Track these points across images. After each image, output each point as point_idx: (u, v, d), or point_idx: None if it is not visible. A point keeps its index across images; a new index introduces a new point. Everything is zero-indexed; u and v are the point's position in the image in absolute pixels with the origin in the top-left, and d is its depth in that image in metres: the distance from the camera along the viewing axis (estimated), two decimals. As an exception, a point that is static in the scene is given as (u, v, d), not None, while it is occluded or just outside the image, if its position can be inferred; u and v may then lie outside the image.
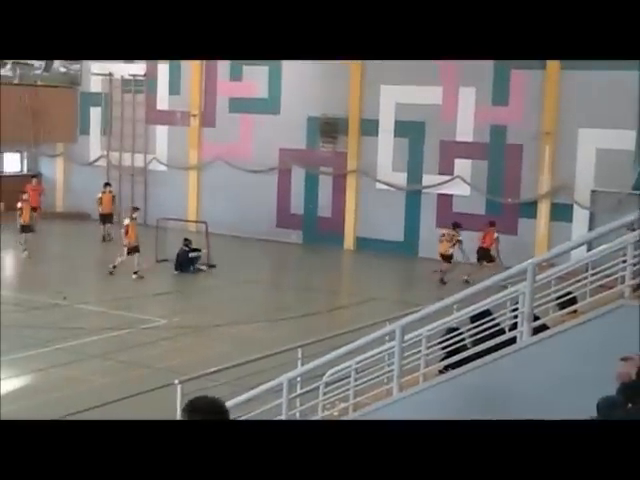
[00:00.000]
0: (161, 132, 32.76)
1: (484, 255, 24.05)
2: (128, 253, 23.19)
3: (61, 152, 34.78)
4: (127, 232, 23.39)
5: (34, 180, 30.77)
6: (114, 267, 23.15)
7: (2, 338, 16.83)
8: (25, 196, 27.22)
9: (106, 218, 28.99)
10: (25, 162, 35.67)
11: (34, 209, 27.99)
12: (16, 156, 35.44)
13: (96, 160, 33.96)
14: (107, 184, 29.89)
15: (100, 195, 29.31)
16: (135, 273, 22.91)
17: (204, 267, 24.84)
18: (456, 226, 24.42)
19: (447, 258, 24.07)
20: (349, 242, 29.34)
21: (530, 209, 26.39)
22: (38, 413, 12.70)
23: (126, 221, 23.75)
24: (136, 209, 25.02)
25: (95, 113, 34.00)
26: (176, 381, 9.93)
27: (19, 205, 26.33)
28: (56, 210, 34.56)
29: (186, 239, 25.00)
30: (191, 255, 24.65)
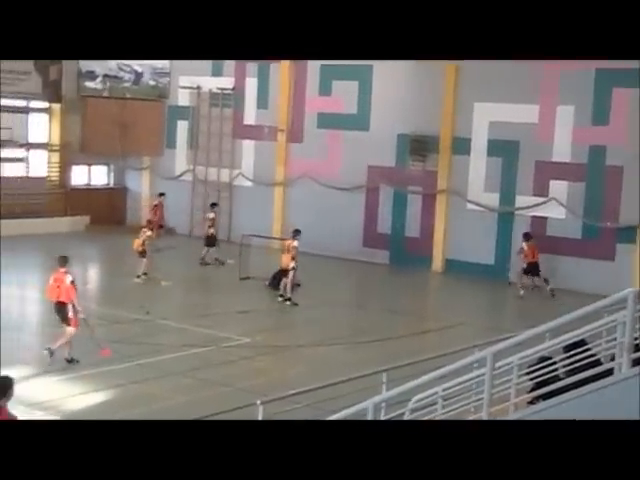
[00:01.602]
0: (248, 147, 33.16)
1: (534, 269, 25.07)
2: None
3: (147, 165, 35.51)
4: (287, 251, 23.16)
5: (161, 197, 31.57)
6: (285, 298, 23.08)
7: (83, 351, 17.21)
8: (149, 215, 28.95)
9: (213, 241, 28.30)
10: (112, 175, 36.51)
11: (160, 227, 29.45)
12: (103, 169, 36.32)
13: (182, 174, 34.56)
14: (214, 204, 29.67)
15: (212, 216, 28.60)
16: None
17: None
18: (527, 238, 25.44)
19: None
20: (437, 264, 29.15)
21: (630, 234, 25.79)
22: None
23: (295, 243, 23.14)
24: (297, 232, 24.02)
25: (182, 127, 34.61)
26: (258, 402, 9.97)
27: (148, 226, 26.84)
28: (141, 224, 35.23)
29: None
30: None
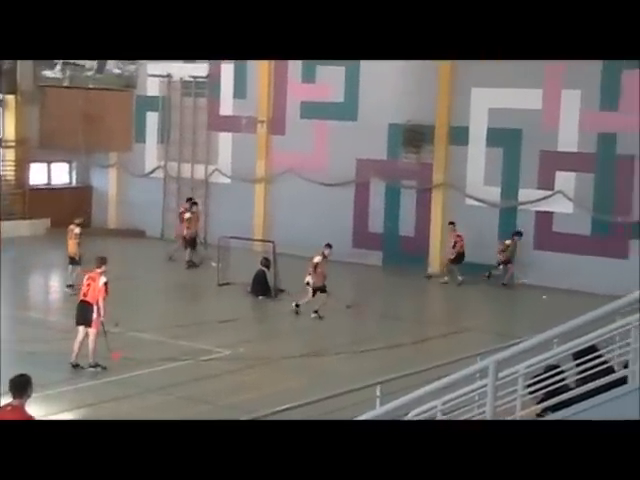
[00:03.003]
0: (224, 140, 33.25)
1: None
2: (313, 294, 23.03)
3: (114, 162, 35.55)
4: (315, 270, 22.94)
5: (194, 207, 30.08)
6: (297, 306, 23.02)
7: (50, 369, 17.31)
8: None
9: (193, 242, 28.79)
10: (75, 173, 36.50)
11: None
12: (65, 167, 36.31)
13: (152, 171, 34.63)
14: (194, 203, 29.83)
15: (189, 215, 29.02)
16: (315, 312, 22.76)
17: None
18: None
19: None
20: (435, 265, 29.32)
21: (644, 229, 26.05)
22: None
23: (317, 259, 22.84)
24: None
25: (152, 119, 34.68)
26: (242, 419, 10.10)
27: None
28: (108, 226, 35.34)
29: (266, 259, 25.24)
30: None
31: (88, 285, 17.45)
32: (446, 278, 26.62)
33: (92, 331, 17.26)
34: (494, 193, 28.28)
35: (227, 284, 25.36)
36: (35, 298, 25.44)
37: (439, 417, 9.96)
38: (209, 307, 24.21)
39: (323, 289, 22.73)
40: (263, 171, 32.26)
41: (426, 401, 10.38)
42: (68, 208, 34.51)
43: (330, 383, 15.50)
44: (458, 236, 27.44)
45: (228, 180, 33.13)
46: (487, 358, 9.74)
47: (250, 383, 17.21)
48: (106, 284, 17.33)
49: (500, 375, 9.43)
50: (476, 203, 28.49)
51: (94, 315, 17.22)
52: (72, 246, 24.44)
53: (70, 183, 36.51)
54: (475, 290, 26.54)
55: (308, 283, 22.81)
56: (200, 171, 33.65)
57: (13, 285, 23.71)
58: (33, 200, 34.27)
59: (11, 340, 19.78)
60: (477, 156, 28.50)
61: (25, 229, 33.22)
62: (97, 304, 17.23)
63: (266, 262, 25.13)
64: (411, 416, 10.32)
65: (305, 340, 20.45)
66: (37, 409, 15.01)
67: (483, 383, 9.67)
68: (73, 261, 24.42)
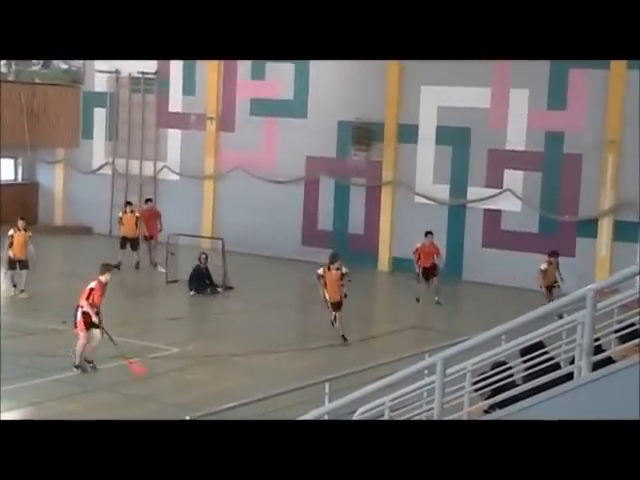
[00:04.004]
0: (173, 137, 33.06)
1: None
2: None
3: (61, 158, 35.19)
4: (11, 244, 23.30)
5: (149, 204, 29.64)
6: None
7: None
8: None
9: (129, 242, 28.09)
10: (20, 169, 36.08)
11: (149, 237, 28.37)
12: (10, 162, 35.85)
13: (100, 168, 34.32)
14: (128, 203, 29.47)
15: (120, 215, 28.65)
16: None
17: (220, 289, 25.04)
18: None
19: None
20: (384, 263, 29.40)
21: (590, 227, 26.36)
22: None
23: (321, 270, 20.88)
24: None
25: (100, 115, 34.38)
26: (187, 417, 10.04)
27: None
28: (55, 223, 34.97)
29: (203, 253, 25.19)
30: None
31: (84, 289, 17.62)
32: (437, 298, 24.36)
33: (79, 334, 17.42)
34: (443, 191, 28.42)
35: (175, 281, 25.21)
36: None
37: (387, 414, 9.96)
38: (157, 305, 24.05)
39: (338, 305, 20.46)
40: (212, 168, 32.14)
41: (374, 398, 10.38)
42: (14, 205, 34.09)
43: (277, 381, 15.48)
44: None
45: (177, 177, 32.94)
46: (435, 355, 9.77)
47: (197, 381, 17.10)
48: (92, 289, 17.45)
49: (448, 372, 9.46)
50: (425, 201, 28.60)
51: (78, 318, 17.37)
52: (20, 247, 23.64)
53: (15, 179, 36.06)
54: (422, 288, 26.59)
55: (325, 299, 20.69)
56: (149, 168, 33.43)
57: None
58: (-23, 196, 33.76)
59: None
60: (426, 154, 28.63)
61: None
62: (80, 306, 17.41)
63: (202, 256, 25.05)
64: (359, 413, 10.30)
65: (251, 337, 20.34)
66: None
67: (431, 380, 9.69)
68: (22, 264, 23.65)
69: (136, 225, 28.03)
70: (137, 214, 28.42)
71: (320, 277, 20.53)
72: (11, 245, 23.45)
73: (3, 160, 35.46)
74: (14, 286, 23.61)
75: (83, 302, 17.30)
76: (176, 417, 12.39)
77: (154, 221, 28.52)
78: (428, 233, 24.82)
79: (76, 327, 17.34)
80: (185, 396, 15.50)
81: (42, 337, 19.58)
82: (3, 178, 35.62)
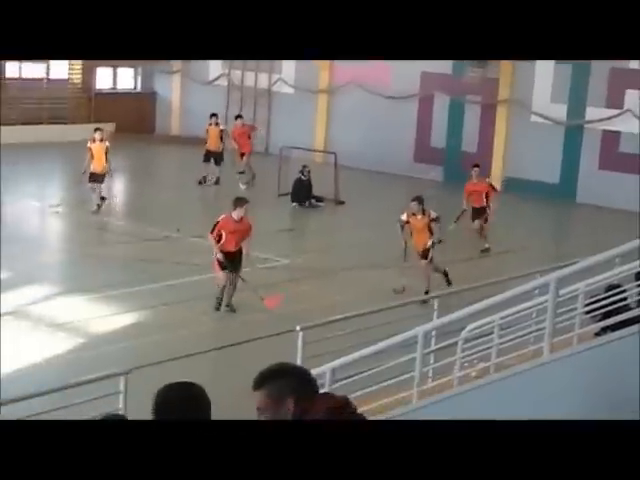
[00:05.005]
0: (289, 50, 32.87)
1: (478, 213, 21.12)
2: None
3: (178, 69, 35.38)
4: None
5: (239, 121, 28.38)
6: None
7: (111, 271, 17.53)
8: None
9: (212, 156, 27.28)
10: (139, 78, 36.50)
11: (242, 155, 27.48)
12: (129, 71, 36.27)
13: (216, 79, 34.46)
14: (213, 114, 27.94)
15: (206, 127, 27.74)
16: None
17: (321, 203, 25.08)
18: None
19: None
20: (496, 182, 28.97)
21: None
22: (147, 354, 13.20)
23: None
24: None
25: (217, 26, 34.35)
26: (297, 327, 10.11)
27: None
28: (171, 133, 35.38)
29: (305, 166, 25.24)
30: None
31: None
32: (487, 245, 21.07)
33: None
34: (560, 110, 27.71)
35: (287, 194, 25.30)
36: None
37: (496, 332, 9.89)
38: (268, 216, 24.22)
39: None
40: (326, 82, 31.97)
41: (484, 316, 10.32)
42: (132, 113, 34.66)
43: (384, 296, 15.50)
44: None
45: (291, 90, 32.88)
46: (547, 275, 9.61)
47: (306, 293, 17.21)
48: (217, 224, 15.63)
49: (560, 293, 9.31)
50: (541, 120, 27.98)
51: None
52: (98, 160, 22.48)
53: (135, 88, 36.52)
54: (537, 209, 26.17)
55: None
56: (264, 80, 33.41)
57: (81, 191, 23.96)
58: (98, 104, 34.34)
59: (77, 242, 20.11)
60: (544, 72, 27.85)
61: (90, 133, 33.26)
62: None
63: (303, 170, 25.11)
64: (467, 330, 10.26)
65: (359, 253, 20.34)
66: (99, 309, 15.29)
67: (542, 300, 9.56)
68: (98, 178, 22.59)
69: (221, 139, 27.28)
70: (222, 127, 27.58)
71: (404, 224, 17.37)
72: (92, 158, 22.42)
73: (122, 69, 35.95)
74: (102, 199, 22.77)
75: (210, 239, 15.73)
76: (285, 327, 12.57)
77: (245, 139, 27.64)
78: (475, 166, 21.64)
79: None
80: (294, 307, 15.60)
81: (156, 244, 19.96)
82: (122, 87, 36.18)
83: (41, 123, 31.96)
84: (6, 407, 8.38)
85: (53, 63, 33.56)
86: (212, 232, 15.55)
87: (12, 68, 32.50)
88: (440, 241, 17.60)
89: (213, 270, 15.81)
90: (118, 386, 8.93)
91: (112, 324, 14.75)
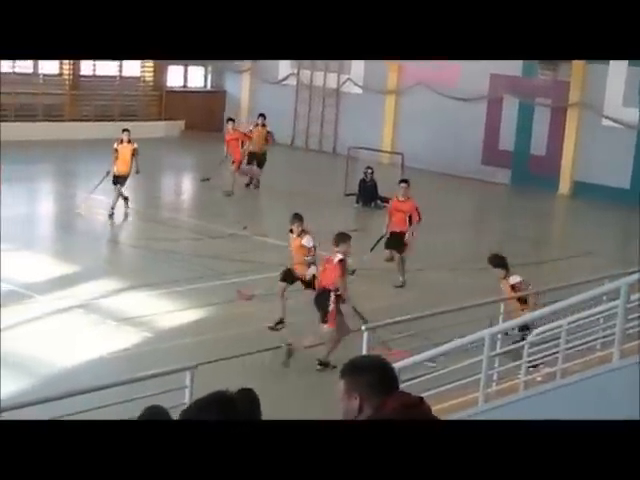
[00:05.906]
0: (358, 50, 32.85)
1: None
2: None
3: (248, 68, 35.56)
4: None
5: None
6: None
7: (177, 267, 17.65)
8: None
9: (255, 158, 26.08)
10: (209, 77, 36.77)
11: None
12: (200, 70, 36.56)
13: (285, 78, 34.57)
14: (261, 115, 27.05)
15: (251, 128, 26.67)
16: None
17: (385, 204, 24.99)
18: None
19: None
20: (565, 186, 28.64)
21: None
22: (211, 350, 13.25)
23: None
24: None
25: (287, 26, 34.45)
26: (362, 327, 10.07)
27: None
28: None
29: (368, 167, 25.29)
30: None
31: (324, 270, 13.25)
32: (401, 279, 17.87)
33: (325, 329, 12.96)
34: (633, 114, 27.27)
35: (353, 194, 25.27)
36: (166, 198, 25.88)
37: (563, 337, 9.75)
38: (333, 216, 24.18)
39: None
40: (395, 83, 31.88)
41: (551, 321, 10.19)
42: (202, 111, 34.94)
43: (448, 298, 15.36)
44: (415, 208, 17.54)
45: (360, 90, 32.85)
46: (617, 281, 9.46)
47: (370, 293, 17.11)
48: (341, 261, 12.87)
49: (631, 298, 9.17)
50: (613, 124, 27.55)
51: (330, 306, 12.84)
52: (124, 162, 21.63)
53: (205, 87, 36.80)
54: (606, 214, 25.79)
55: None
56: (332, 80, 33.43)
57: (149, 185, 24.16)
58: (169, 102, 34.67)
59: (143, 237, 20.29)
60: (617, 75, 27.44)
61: (161, 130, 33.67)
62: (335, 289, 12.92)
63: (367, 171, 25.14)
64: (534, 334, 10.13)
65: (427, 254, 20.21)
66: (164, 305, 15.39)
67: (612, 305, 9.41)
68: (121, 180, 21.68)
69: (266, 140, 26.49)
70: (268, 129, 26.78)
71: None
72: (116, 159, 21.60)
73: (193, 68, 36.24)
74: (125, 199, 21.93)
75: (341, 283, 12.80)
76: (353, 327, 12.52)
77: (235, 145, 25.57)
78: (402, 182, 18.24)
79: (326, 321, 12.94)
80: (360, 307, 15.53)
81: (222, 241, 20.05)
82: (192, 85, 36.48)
83: (113, 120, 32.36)
84: (74, 398, 8.46)
85: (126, 61, 33.97)
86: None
87: (86, 66, 32.97)
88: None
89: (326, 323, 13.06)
90: (184, 381, 8.96)
91: (177, 320, 14.82)
